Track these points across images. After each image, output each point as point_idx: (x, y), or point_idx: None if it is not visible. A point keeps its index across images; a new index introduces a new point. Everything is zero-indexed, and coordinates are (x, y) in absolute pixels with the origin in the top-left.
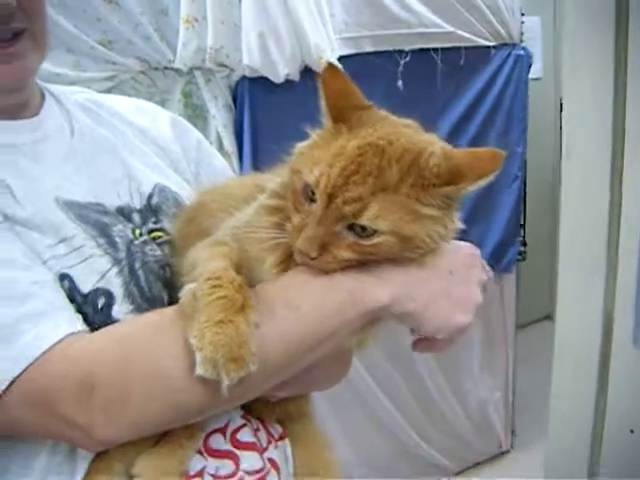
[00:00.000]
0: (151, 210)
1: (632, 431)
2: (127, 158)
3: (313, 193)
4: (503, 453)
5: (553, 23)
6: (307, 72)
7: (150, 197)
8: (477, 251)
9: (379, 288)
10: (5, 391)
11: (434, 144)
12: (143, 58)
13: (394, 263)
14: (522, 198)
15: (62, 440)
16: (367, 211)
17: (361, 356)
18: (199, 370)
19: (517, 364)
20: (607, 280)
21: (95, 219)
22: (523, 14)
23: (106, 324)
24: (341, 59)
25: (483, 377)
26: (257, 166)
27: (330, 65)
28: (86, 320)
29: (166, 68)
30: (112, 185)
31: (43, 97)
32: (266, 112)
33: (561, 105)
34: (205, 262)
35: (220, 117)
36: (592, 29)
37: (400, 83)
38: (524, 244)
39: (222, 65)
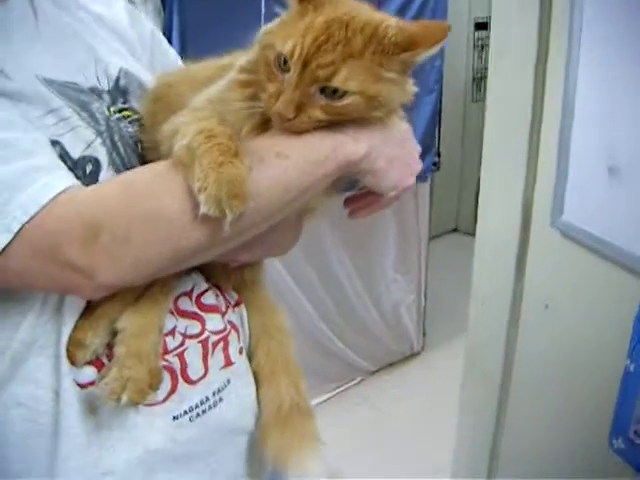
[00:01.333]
0: (119, 91)
1: (546, 306)
2: (91, 43)
3: (285, 63)
4: (414, 354)
5: None
6: None
7: (117, 79)
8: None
9: (355, 144)
10: (15, 237)
11: (389, 19)
12: None
13: (361, 124)
14: (437, 110)
15: (63, 287)
16: (338, 74)
17: (283, 260)
18: (204, 209)
19: (428, 271)
20: (527, 171)
21: (75, 96)
22: None
23: None
24: None
25: (397, 282)
26: None
27: None
28: None
29: None
30: (79, 68)
31: None
32: (194, 18)
33: (475, 25)
34: (189, 124)
35: (149, 19)
36: None
37: None
38: (438, 155)
39: None
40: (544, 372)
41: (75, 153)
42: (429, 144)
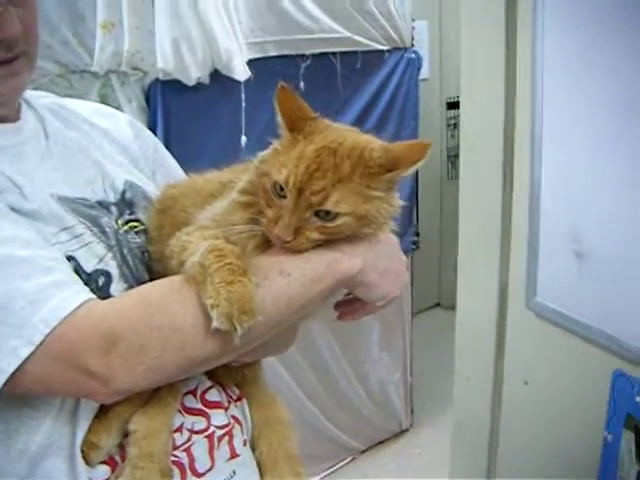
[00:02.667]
0: (126, 203)
1: (526, 382)
2: (97, 157)
3: (282, 190)
4: (403, 431)
5: (439, 26)
6: (216, 76)
7: (124, 192)
8: (397, 239)
9: (350, 260)
10: (38, 347)
11: (373, 142)
12: (61, 62)
13: (355, 240)
14: (415, 192)
15: (81, 393)
16: (330, 199)
17: None
18: (216, 323)
19: (413, 348)
20: (501, 255)
21: (86, 212)
22: (413, 19)
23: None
24: (248, 63)
25: (383, 360)
26: None
27: (282, 86)
28: None
29: (83, 71)
30: (87, 183)
31: (20, 103)
32: (178, 112)
33: (447, 104)
34: (197, 242)
35: (134, 118)
36: (485, 30)
37: (302, 85)
38: (417, 234)
39: (136, 68)
40: (528, 444)
41: (88, 267)
42: (407, 224)
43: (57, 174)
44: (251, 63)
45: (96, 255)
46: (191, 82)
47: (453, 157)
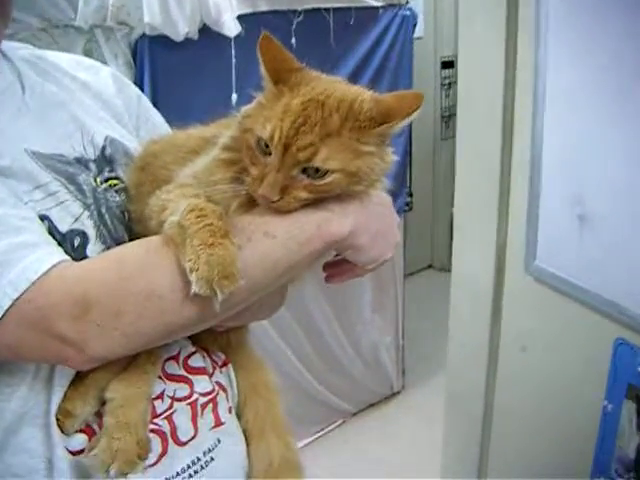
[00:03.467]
0: (105, 160)
1: (523, 349)
2: (77, 112)
3: (267, 146)
4: (395, 394)
5: None
6: (206, 31)
7: (103, 148)
8: (390, 198)
9: (340, 221)
10: (6, 312)
11: (363, 93)
12: (44, 16)
13: (345, 199)
14: (408, 152)
15: (54, 359)
16: (318, 155)
17: None
18: (195, 288)
19: (405, 309)
20: (499, 217)
21: (62, 169)
22: None
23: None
24: (239, 18)
25: (375, 322)
26: None
27: (265, 35)
28: None
29: (67, 26)
30: (66, 138)
31: None
32: (166, 69)
33: (442, 63)
34: (177, 201)
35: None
36: None
37: (294, 41)
38: (410, 195)
39: (122, 23)
40: (524, 413)
41: (63, 227)
42: (401, 185)
43: (33, 129)
44: (241, 18)
45: (71, 214)
46: (179, 38)
47: (447, 117)
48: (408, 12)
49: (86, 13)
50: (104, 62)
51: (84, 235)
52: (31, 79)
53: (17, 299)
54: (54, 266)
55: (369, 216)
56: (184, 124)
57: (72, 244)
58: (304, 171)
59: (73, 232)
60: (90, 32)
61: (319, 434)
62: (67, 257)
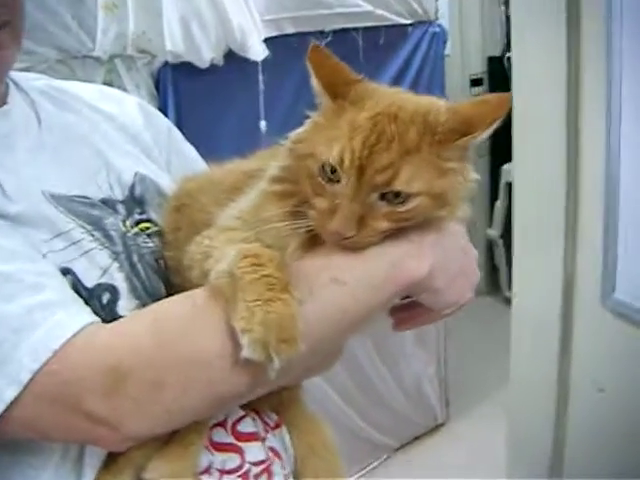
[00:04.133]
0: (135, 201)
1: (601, 390)
2: (101, 146)
3: (333, 172)
4: (439, 425)
5: (459, 0)
6: (231, 56)
7: (132, 187)
8: (463, 229)
9: (418, 260)
10: (26, 386)
11: (437, 103)
12: (61, 47)
13: (419, 230)
14: None
15: (83, 439)
16: (400, 176)
17: None
18: (247, 352)
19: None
20: (566, 238)
21: (86, 212)
22: None
23: (111, 321)
24: (265, 41)
25: (416, 354)
26: None
27: (315, 46)
28: None
29: (85, 56)
30: (90, 176)
31: (7, 86)
32: (190, 98)
33: (471, 81)
34: (224, 247)
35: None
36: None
37: None
38: None
39: (144, 52)
40: (600, 465)
41: (89, 281)
42: None
43: (51, 167)
44: (268, 41)
45: (99, 266)
46: (204, 64)
47: None
48: (438, 29)
49: (105, 43)
50: (126, 91)
51: (114, 290)
52: (48, 111)
53: (37, 372)
54: (80, 330)
55: (448, 252)
56: (212, 155)
57: (100, 301)
58: (382, 197)
59: (101, 287)
60: (110, 62)
61: (363, 471)
62: (95, 318)
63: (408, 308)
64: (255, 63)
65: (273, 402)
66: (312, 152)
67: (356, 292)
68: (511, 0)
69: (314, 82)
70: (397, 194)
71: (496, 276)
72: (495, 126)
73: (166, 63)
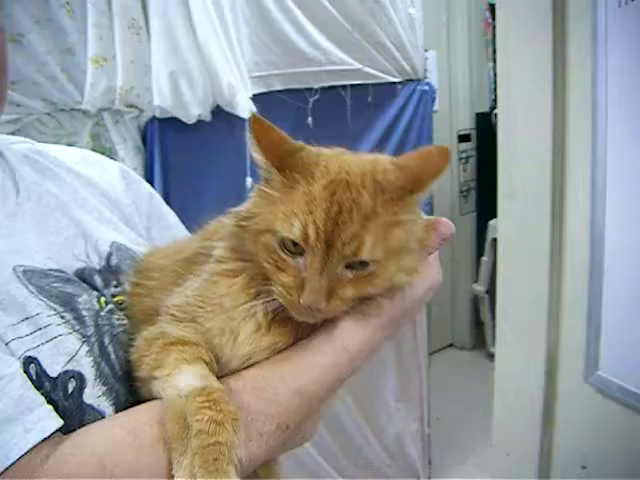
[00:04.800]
0: (111, 271)
1: (583, 467)
2: (79, 215)
3: (295, 245)
4: None
5: (447, 57)
6: (218, 112)
7: (109, 256)
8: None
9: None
10: None
11: (379, 160)
12: (49, 99)
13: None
14: None
15: None
16: (365, 245)
17: None
18: None
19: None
20: (549, 316)
21: (58, 290)
22: (426, 50)
23: (78, 410)
24: (252, 98)
25: (399, 410)
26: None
27: (255, 116)
28: (56, 407)
29: (73, 109)
30: (67, 246)
31: None
32: (177, 153)
33: (458, 137)
34: (176, 367)
35: (130, 159)
36: (527, 52)
37: (310, 120)
38: None
39: (132, 106)
40: None
41: (54, 370)
42: None
43: (28, 237)
44: (256, 98)
45: (65, 352)
46: (191, 120)
47: (466, 192)
48: (427, 87)
49: (93, 96)
50: (112, 146)
51: (80, 377)
52: (28, 179)
53: None
54: (26, 454)
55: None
56: (197, 211)
57: (65, 390)
58: (348, 266)
59: (67, 374)
60: (98, 115)
61: None
62: (48, 427)
63: None
64: (242, 119)
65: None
66: (269, 228)
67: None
68: (497, 55)
69: (257, 155)
70: (362, 261)
71: (481, 331)
72: (439, 177)
73: (154, 117)
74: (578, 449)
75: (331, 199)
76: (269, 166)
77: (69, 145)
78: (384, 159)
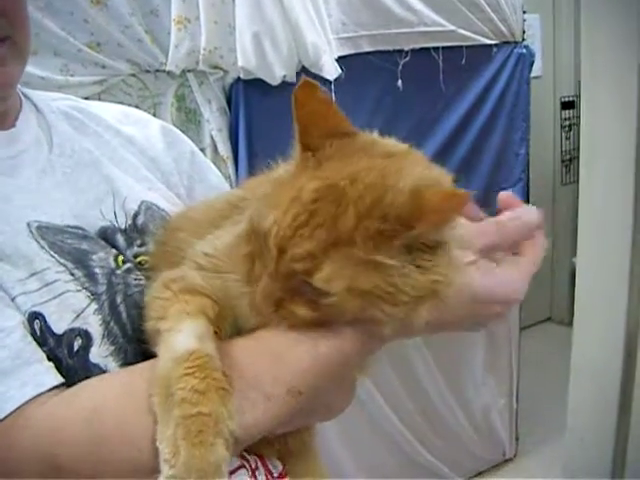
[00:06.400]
0: (137, 230)
1: None
2: (111, 172)
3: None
4: (507, 461)
5: (552, 21)
6: (304, 74)
7: (136, 216)
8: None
9: None
10: None
11: (406, 179)
12: (134, 61)
13: None
14: (526, 198)
15: None
16: (319, 272)
17: None
18: None
19: (520, 368)
20: (630, 291)
21: (72, 247)
22: (525, 12)
23: (83, 368)
24: (339, 59)
25: (486, 383)
26: (253, 171)
27: (306, 81)
28: (60, 365)
29: (157, 71)
30: (95, 203)
31: (21, 107)
32: (261, 115)
33: (562, 104)
34: (178, 319)
35: (214, 121)
36: (610, 20)
37: (400, 83)
38: None
39: (216, 67)
40: None
41: (59, 327)
42: None
43: (53, 193)
44: (342, 60)
45: (72, 309)
46: (275, 81)
47: (568, 161)
48: (524, 50)
49: (177, 57)
50: (197, 107)
51: (87, 335)
52: (63, 136)
53: None
54: (21, 405)
55: None
56: None
57: (71, 348)
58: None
59: (73, 332)
60: (182, 77)
61: None
62: (46, 384)
63: None
64: (328, 81)
65: (279, 449)
66: (262, 208)
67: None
68: (582, 33)
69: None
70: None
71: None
72: (445, 225)
73: (238, 79)
74: None
75: (310, 205)
76: (296, 139)
77: (154, 107)
78: (412, 180)
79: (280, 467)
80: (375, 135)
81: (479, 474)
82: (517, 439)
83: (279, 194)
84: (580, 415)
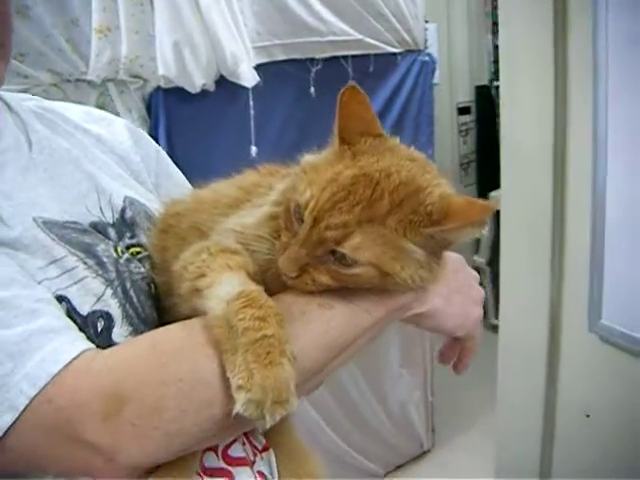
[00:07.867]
0: (125, 224)
1: (587, 415)
2: (91, 169)
3: (302, 214)
4: (425, 452)
5: (447, 29)
6: (222, 82)
7: (123, 211)
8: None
9: None
10: (22, 414)
11: (437, 185)
12: (55, 70)
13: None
14: None
15: (79, 470)
16: (349, 240)
17: None
18: (241, 409)
19: (434, 361)
20: (552, 266)
21: (77, 239)
22: (427, 21)
23: (107, 348)
24: (256, 68)
25: (403, 376)
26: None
27: (352, 86)
28: None
29: (78, 80)
30: (80, 200)
31: None
32: (181, 123)
33: (458, 109)
34: (220, 273)
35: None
36: (528, 19)
37: (312, 90)
38: None
39: (136, 76)
40: None
41: (84, 309)
42: None
43: (42, 191)
44: (259, 68)
45: (93, 293)
46: (195, 89)
47: (466, 164)
48: (427, 57)
49: (98, 66)
50: (118, 116)
51: (109, 316)
52: (39, 133)
53: (34, 398)
54: (78, 356)
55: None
56: (202, 179)
57: (95, 328)
58: (333, 253)
59: (95, 314)
60: (103, 86)
61: None
62: (91, 345)
63: (448, 348)
64: (246, 89)
65: None
66: (296, 187)
67: (345, 315)
68: (500, 29)
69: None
70: (344, 255)
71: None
72: (472, 230)
73: (158, 87)
74: (582, 398)
75: (348, 186)
76: (335, 133)
77: None
78: (442, 187)
79: (263, 441)
80: (397, 140)
81: (399, 466)
82: (433, 430)
83: (315, 176)
84: (510, 384)
